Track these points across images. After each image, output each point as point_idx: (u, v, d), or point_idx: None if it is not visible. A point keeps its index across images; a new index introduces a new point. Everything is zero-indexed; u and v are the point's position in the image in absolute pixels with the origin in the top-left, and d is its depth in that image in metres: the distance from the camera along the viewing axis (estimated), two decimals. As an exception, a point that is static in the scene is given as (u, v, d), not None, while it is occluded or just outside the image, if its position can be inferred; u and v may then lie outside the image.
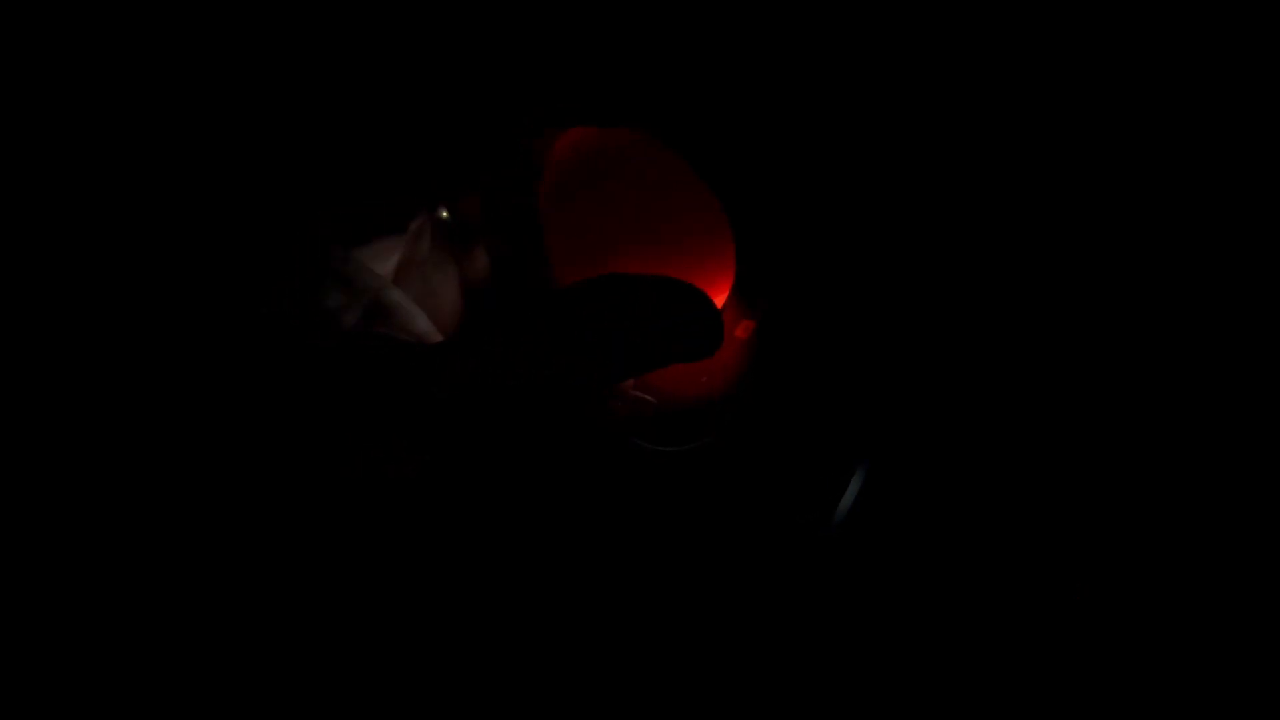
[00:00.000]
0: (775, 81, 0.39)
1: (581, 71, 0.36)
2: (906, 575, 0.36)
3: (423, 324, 0.27)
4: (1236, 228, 0.38)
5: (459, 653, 0.32)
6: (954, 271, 0.38)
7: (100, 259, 0.29)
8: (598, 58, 0.37)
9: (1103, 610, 0.36)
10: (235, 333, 0.25)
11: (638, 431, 0.32)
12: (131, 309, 0.27)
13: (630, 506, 0.33)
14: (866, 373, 0.36)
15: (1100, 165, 0.39)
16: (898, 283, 0.38)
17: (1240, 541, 0.37)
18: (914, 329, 0.37)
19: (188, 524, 0.25)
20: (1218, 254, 0.38)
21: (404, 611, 0.29)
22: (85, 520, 0.25)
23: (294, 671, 0.26)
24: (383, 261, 0.28)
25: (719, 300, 0.33)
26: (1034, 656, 0.36)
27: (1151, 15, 0.38)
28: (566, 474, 0.33)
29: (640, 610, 0.35)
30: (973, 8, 0.39)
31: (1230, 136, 0.38)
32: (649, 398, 0.31)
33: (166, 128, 0.33)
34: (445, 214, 0.31)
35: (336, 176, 0.27)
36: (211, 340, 0.25)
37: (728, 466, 0.33)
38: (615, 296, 0.24)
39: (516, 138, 0.32)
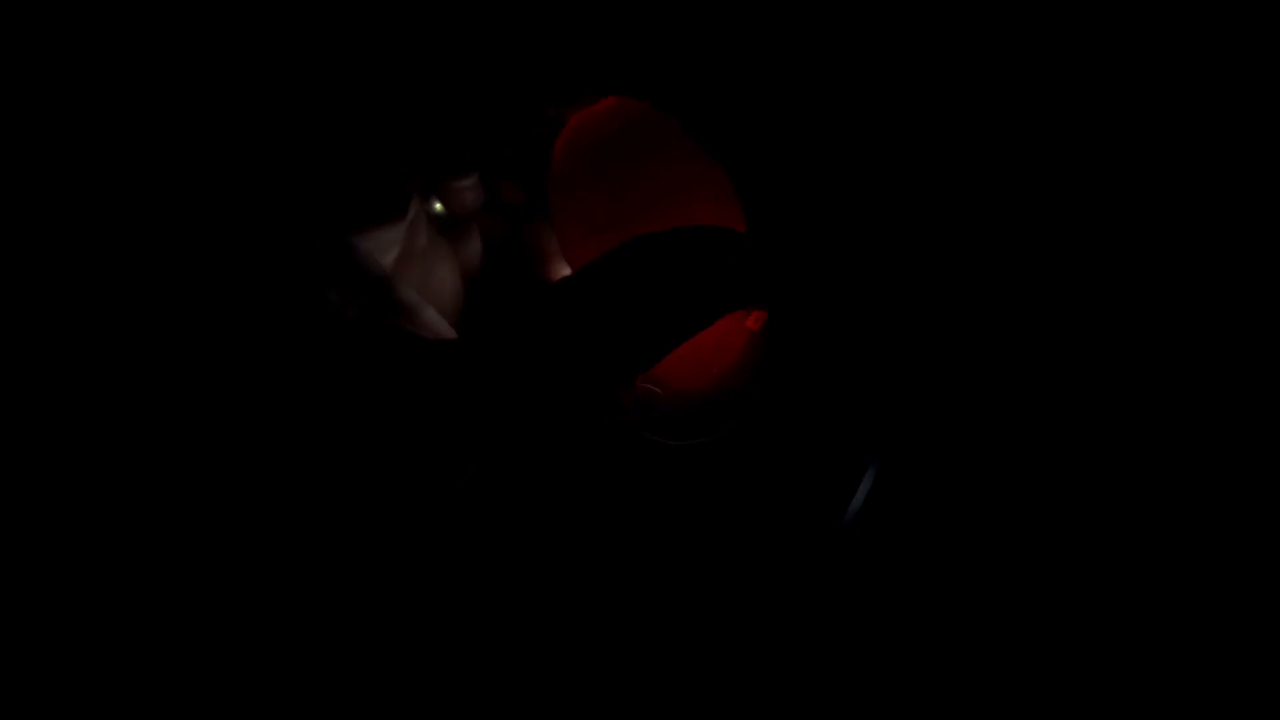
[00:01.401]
0: (796, 67, 0.38)
1: (596, 47, 0.35)
2: (917, 571, 0.36)
3: (429, 315, 0.27)
4: (1236, 228, 0.37)
5: (467, 645, 0.32)
6: (967, 270, 0.37)
7: (105, 258, 0.29)
8: (614, 34, 0.36)
9: (1102, 610, 0.36)
10: (241, 328, 0.25)
11: (647, 425, 0.31)
12: (137, 307, 0.27)
13: (639, 500, 0.33)
14: (879, 366, 0.35)
15: (1106, 167, 0.38)
16: (911, 277, 0.37)
17: (1240, 541, 0.36)
18: (927, 325, 0.37)
19: (198, 521, 0.25)
20: (1218, 254, 0.37)
21: (413, 604, 0.29)
22: (94, 520, 0.25)
23: (299, 670, 0.26)
24: (383, 254, 0.27)
25: None
26: (1038, 654, 0.36)
27: (1151, 15, 0.37)
28: (575, 467, 0.32)
29: (648, 604, 0.34)
30: (978, 8, 0.38)
31: (1230, 136, 0.37)
32: (657, 389, 0.30)
33: (163, 127, 0.32)
34: (439, 205, 0.31)
35: (334, 172, 0.27)
36: (216, 336, 0.25)
37: (739, 460, 0.33)
38: (637, 271, 0.23)
39: (527, 117, 0.32)
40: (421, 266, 0.29)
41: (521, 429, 0.23)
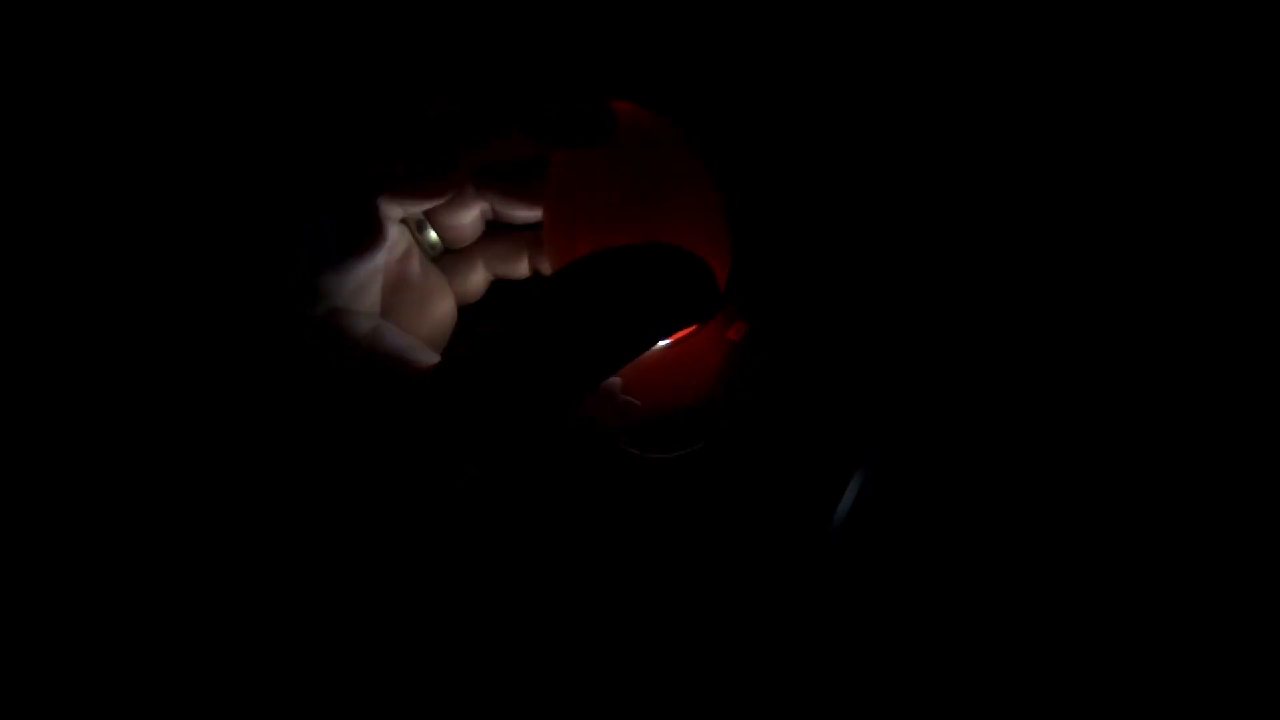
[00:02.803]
0: (786, 83, 0.39)
1: (594, 51, 0.36)
2: (905, 578, 0.35)
3: (421, 355, 0.27)
4: (1236, 229, 0.36)
5: (458, 662, 0.32)
6: (952, 274, 0.37)
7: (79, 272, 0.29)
8: (610, 41, 0.36)
9: (1103, 610, 0.34)
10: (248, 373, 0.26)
11: (628, 437, 0.31)
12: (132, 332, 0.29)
13: (623, 514, 0.33)
14: (863, 375, 0.35)
15: (1095, 166, 0.37)
16: (894, 285, 0.36)
17: (1240, 542, 0.34)
18: (909, 332, 0.36)
19: (196, 526, 0.26)
20: (1217, 254, 0.36)
21: (402, 621, 0.29)
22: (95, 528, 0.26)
23: (298, 670, 0.27)
24: (369, 290, 0.28)
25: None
26: (1034, 656, 0.34)
27: (1151, 15, 0.36)
28: (558, 482, 0.32)
29: (637, 618, 0.34)
30: (971, 9, 0.38)
31: (1230, 137, 0.36)
32: (636, 401, 0.31)
33: (143, 161, 0.33)
34: (434, 237, 0.32)
35: (315, 206, 0.27)
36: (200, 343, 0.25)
37: (722, 472, 0.32)
38: (597, 280, 0.24)
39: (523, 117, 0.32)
40: (413, 295, 0.30)
41: (489, 444, 0.23)
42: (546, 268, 0.33)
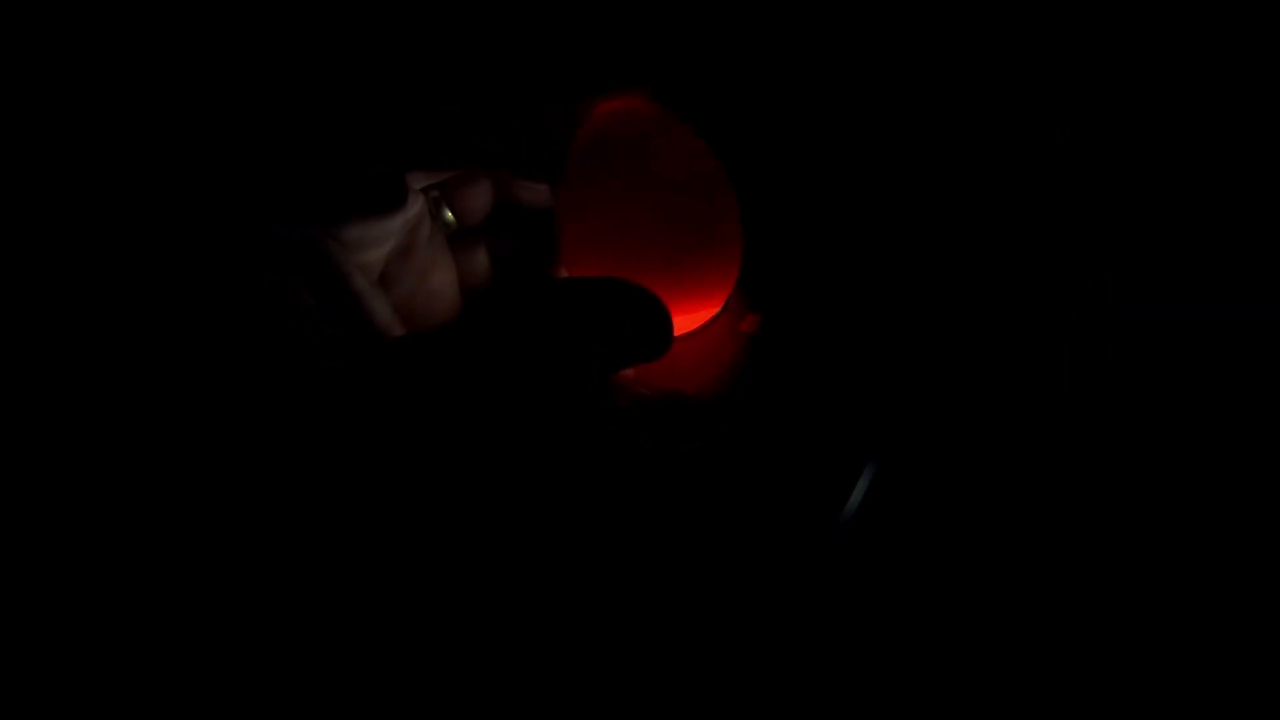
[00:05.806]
0: (801, 80, 0.39)
1: (610, 47, 0.36)
2: (912, 575, 0.35)
3: (378, 305, 0.28)
4: (1236, 228, 0.37)
5: (458, 652, 0.32)
6: (962, 271, 0.37)
7: (84, 259, 0.29)
8: (627, 36, 0.37)
9: (1103, 610, 0.35)
10: (221, 330, 0.25)
11: (639, 429, 0.31)
12: (115, 308, 0.28)
13: (629, 507, 0.33)
14: (876, 371, 0.35)
15: (1100, 166, 0.38)
16: (906, 281, 0.37)
17: (1240, 542, 0.35)
18: (921, 328, 0.37)
19: (182, 524, 0.25)
20: (1217, 254, 0.37)
21: (401, 610, 0.29)
22: (88, 522, 0.25)
23: (294, 671, 0.26)
24: (374, 247, 0.28)
25: (723, 294, 0.33)
26: (1035, 656, 0.35)
27: (1151, 17, 0.38)
28: (567, 473, 0.32)
29: (639, 613, 0.34)
30: (978, 12, 0.39)
31: (1228, 140, 0.37)
32: (649, 393, 0.31)
33: (148, 117, 0.33)
34: (450, 215, 0.31)
35: (331, 162, 0.27)
36: (195, 337, 0.25)
37: (732, 465, 0.33)
38: (563, 306, 0.25)
39: (543, 113, 0.32)
40: (419, 272, 0.30)
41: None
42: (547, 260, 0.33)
